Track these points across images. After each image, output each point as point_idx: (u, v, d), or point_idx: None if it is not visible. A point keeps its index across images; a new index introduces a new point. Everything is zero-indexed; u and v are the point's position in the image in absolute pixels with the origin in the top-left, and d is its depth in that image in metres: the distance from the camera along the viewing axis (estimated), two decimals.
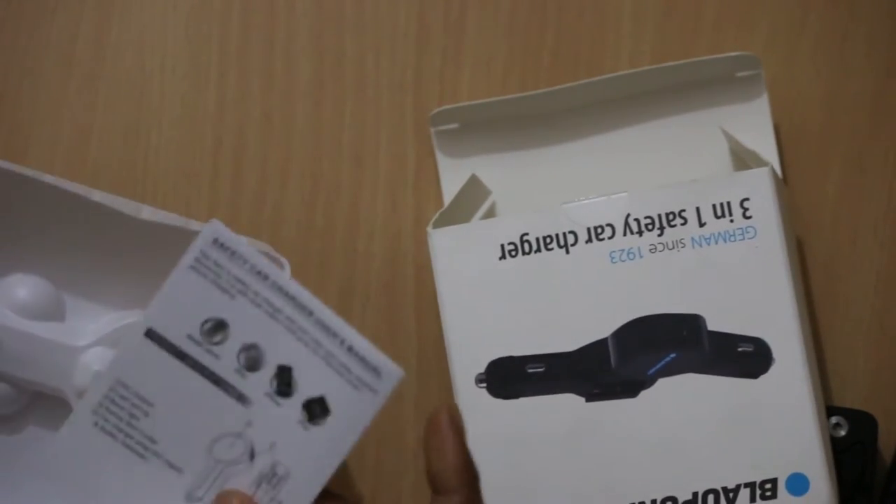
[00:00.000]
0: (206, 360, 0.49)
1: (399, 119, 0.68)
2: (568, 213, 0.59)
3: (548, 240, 0.59)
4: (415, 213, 0.68)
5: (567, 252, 0.59)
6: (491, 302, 0.59)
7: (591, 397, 0.59)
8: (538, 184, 0.67)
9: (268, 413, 0.49)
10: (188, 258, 0.48)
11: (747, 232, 0.58)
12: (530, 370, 0.59)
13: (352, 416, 0.48)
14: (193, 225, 0.62)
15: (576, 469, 0.58)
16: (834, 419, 0.62)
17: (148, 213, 0.62)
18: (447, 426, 0.49)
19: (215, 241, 0.49)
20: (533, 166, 0.67)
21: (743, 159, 0.63)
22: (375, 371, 0.48)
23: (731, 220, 0.58)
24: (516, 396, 0.59)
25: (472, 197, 0.65)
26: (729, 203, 0.58)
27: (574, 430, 0.58)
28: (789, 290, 0.58)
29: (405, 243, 0.68)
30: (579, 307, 0.59)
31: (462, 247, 0.60)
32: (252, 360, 0.49)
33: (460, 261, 0.60)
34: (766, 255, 0.58)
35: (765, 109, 0.65)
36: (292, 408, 0.49)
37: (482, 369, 0.59)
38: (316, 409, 0.49)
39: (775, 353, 0.58)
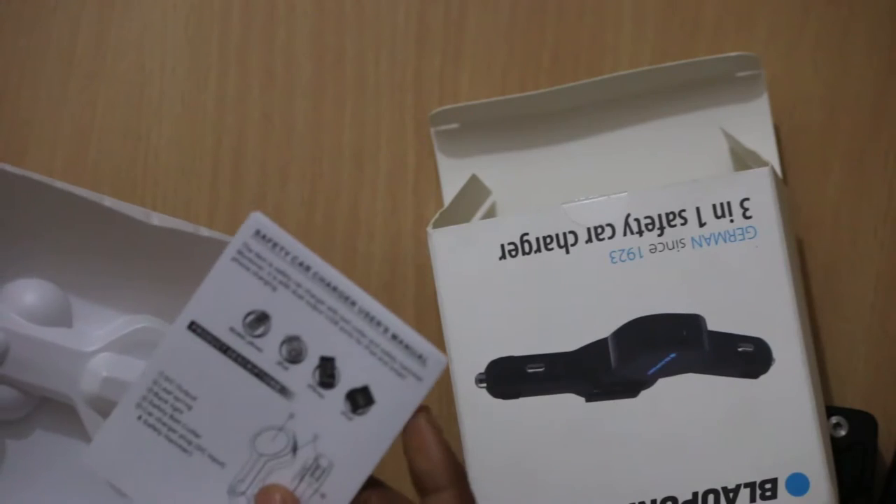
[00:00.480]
0: (248, 352, 0.48)
1: (399, 119, 0.68)
2: (568, 213, 0.59)
3: (548, 240, 0.59)
4: (415, 213, 0.68)
5: (567, 252, 0.59)
6: (491, 302, 0.59)
7: (591, 397, 0.59)
8: (538, 184, 0.67)
9: (311, 405, 0.48)
10: (230, 250, 0.48)
11: (747, 232, 0.58)
12: (530, 370, 0.59)
13: (396, 404, 0.48)
14: (203, 231, 0.62)
15: (576, 469, 0.58)
16: (834, 419, 0.62)
17: (158, 219, 0.62)
18: (426, 426, 0.49)
19: (257, 232, 0.49)
20: (533, 166, 0.67)
21: (743, 159, 0.63)
22: (420, 358, 0.48)
23: (732, 220, 0.58)
24: (516, 396, 0.59)
25: (472, 197, 0.65)
26: (729, 203, 0.58)
27: (574, 430, 0.58)
28: (789, 290, 0.58)
29: (405, 243, 0.68)
30: (579, 307, 0.59)
31: (462, 247, 0.60)
32: (294, 352, 0.49)
33: (460, 261, 0.60)
34: (766, 255, 0.58)
35: (765, 109, 0.65)
36: (335, 399, 0.48)
37: (482, 369, 0.59)
38: (359, 400, 0.48)
39: (775, 353, 0.58)
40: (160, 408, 0.49)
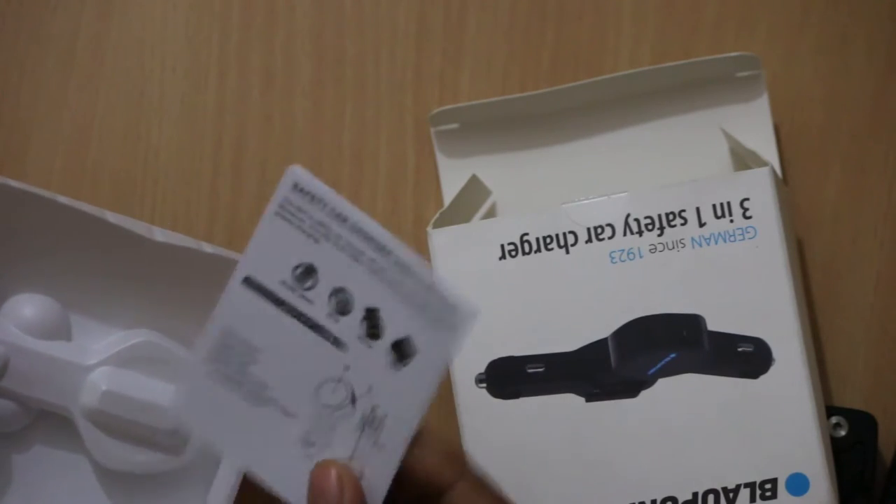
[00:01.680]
0: (301, 305, 0.48)
1: (399, 119, 0.68)
2: (568, 213, 0.59)
3: (548, 240, 0.59)
4: (415, 213, 0.68)
5: (567, 252, 0.59)
6: (491, 302, 0.59)
7: (591, 397, 0.59)
8: (538, 184, 0.67)
9: (362, 356, 0.48)
10: (273, 205, 0.48)
11: (747, 232, 0.58)
12: (530, 370, 0.59)
13: (435, 355, 0.48)
14: (206, 248, 0.62)
15: (575, 469, 0.58)
16: (834, 419, 0.62)
17: (161, 234, 0.62)
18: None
19: (295, 185, 0.49)
20: (533, 166, 0.67)
21: (743, 159, 0.63)
22: (453, 308, 0.48)
23: (732, 220, 0.58)
24: (516, 396, 0.59)
25: (473, 197, 0.66)
26: (729, 203, 0.58)
27: (574, 430, 0.58)
28: (789, 290, 0.58)
29: (405, 243, 0.68)
30: (579, 307, 0.59)
31: (462, 247, 0.60)
32: (343, 303, 0.48)
33: (460, 261, 0.60)
34: (766, 255, 0.58)
35: (765, 109, 0.65)
36: (382, 350, 0.48)
37: (482, 369, 0.59)
38: (403, 350, 0.48)
39: (775, 353, 0.58)
40: (227, 362, 0.49)
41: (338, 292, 0.49)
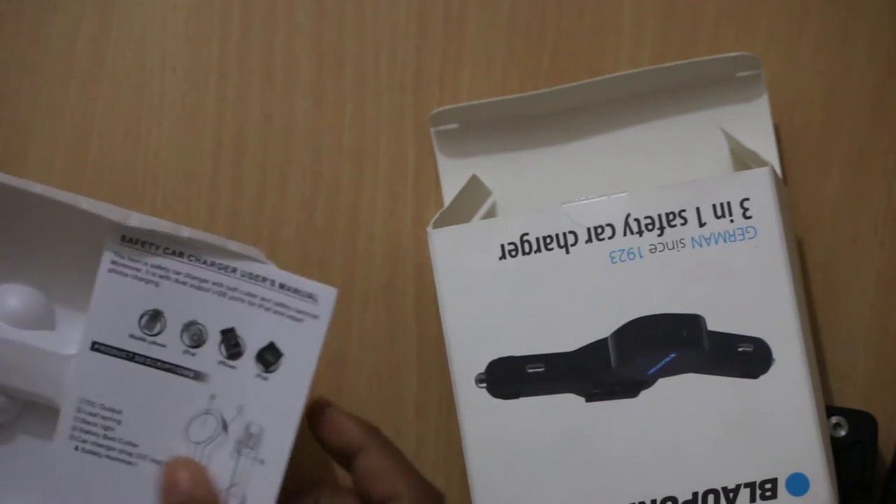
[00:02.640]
0: (154, 352, 0.49)
1: (399, 119, 0.68)
2: (568, 213, 0.59)
3: (548, 240, 0.59)
4: (415, 213, 0.68)
5: (567, 252, 0.59)
6: (491, 302, 0.59)
7: (591, 397, 0.59)
8: (538, 184, 0.67)
9: (227, 379, 0.49)
10: (103, 266, 0.49)
11: (747, 232, 0.58)
12: (530, 370, 0.59)
13: (303, 349, 0.49)
14: (184, 231, 0.62)
15: (575, 469, 0.58)
16: (834, 419, 0.62)
17: (137, 220, 0.62)
18: (326, 407, 0.51)
19: (122, 238, 0.49)
20: (533, 166, 0.67)
21: (743, 159, 0.63)
22: (311, 297, 0.49)
23: (732, 220, 0.58)
24: (516, 396, 0.59)
25: (473, 197, 0.65)
26: (729, 203, 0.58)
27: (574, 430, 0.58)
28: (789, 290, 0.58)
29: (405, 243, 0.68)
30: (579, 307, 0.59)
31: (462, 247, 0.60)
32: (196, 335, 0.49)
33: (460, 261, 0.59)
34: (766, 255, 0.58)
35: (765, 109, 0.65)
36: (247, 365, 0.49)
37: (482, 369, 0.59)
38: (269, 357, 0.49)
39: (775, 353, 0.58)
40: (92, 432, 0.49)
41: (189, 326, 0.49)
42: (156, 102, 0.69)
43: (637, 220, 0.59)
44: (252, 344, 0.49)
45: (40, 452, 0.64)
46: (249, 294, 0.49)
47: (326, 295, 0.49)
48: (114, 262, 0.49)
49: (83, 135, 0.69)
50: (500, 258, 0.59)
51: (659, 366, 0.58)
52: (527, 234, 0.59)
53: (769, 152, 0.64)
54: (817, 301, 0.66)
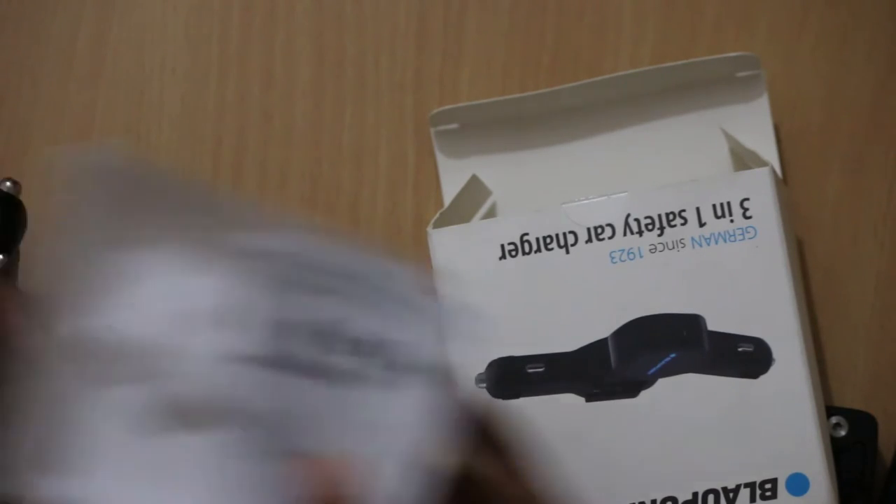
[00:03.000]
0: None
1: (399, 119, 0.68)
2: (568, 213, 0.59)
3: (548, 240, 0.59)
4: (415, 213, 0.68)
5: (567, 252, 0.59)
6: (491, 302, 0.59)
7: (591, 397, 0.59)
8: (538, 184, 0.67)
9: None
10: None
11: (747, 232, 0.58)
12: (530, 370, 0.59)
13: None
14: None
15: (576, 469, 0.58)
16: (834, 419, 0.62)
17: None
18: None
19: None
20: (533, 166, 0.67)
21: (743, 159, 0.63)
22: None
23: (732, 220, 0.58)
24: (516, 396, 0.59)
25: (473, 197, 0.65)
26: (729, 203, 0.58)
27: (574, 431, 0.58)
28: (789, 290, 0.58)
29: (405, 243, 0.68)
30: (579, 307, 0.59)
31: (462, 247, 0.60)
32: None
33: (460, 261, 0.59)
34: (766, 255, 0.58)
35: (765, 109, 0.65)
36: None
37: (482, 369, 0.59)
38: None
39: (775, 353, 0.58)
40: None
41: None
42: (156, 102, 0.69)
43: (637, 220, 0.59)
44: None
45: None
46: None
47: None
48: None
49: (83, 135, 0.69)
50: (500, 258, 0.59)
51: (659, 366, 0.58)
52: (527, 234, 0.59)
53: (769, 152, 0.64)
54: (817, 301, 0.66)
